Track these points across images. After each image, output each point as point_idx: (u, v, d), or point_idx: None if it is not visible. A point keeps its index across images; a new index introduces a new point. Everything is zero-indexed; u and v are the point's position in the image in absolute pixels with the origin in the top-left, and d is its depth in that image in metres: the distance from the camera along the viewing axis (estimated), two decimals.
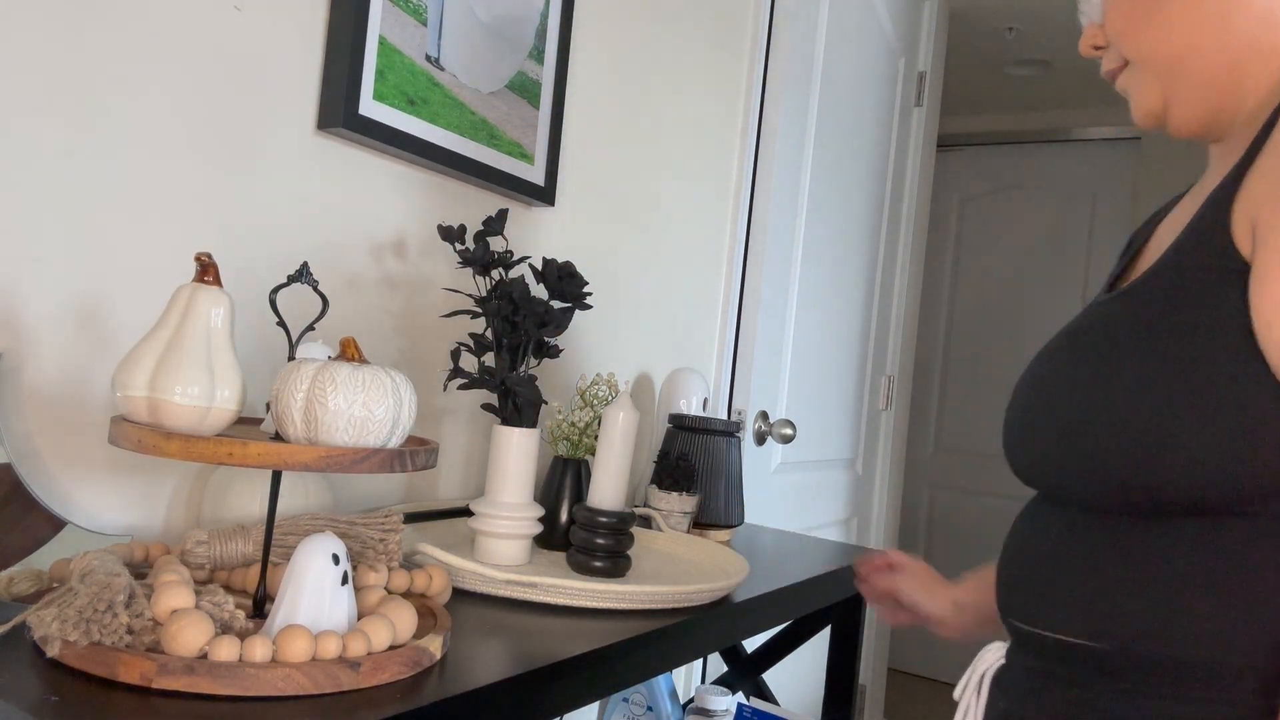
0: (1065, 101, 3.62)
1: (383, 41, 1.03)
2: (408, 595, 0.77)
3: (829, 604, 1.28)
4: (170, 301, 0.68)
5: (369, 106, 1.01)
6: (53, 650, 0.58)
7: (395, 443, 0.69)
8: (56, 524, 0.76)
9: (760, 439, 1.86)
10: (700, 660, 1.78)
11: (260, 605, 0.70)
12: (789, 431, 1.84)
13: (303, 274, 0.80)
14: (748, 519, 1.84)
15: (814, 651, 2.29)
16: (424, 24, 1.08)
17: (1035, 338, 3.70)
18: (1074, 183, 3.69)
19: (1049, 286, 3.70)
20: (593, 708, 1.50)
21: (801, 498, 2.12)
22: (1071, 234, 3.68)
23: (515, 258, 1.10)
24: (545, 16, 1.26)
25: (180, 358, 0.65)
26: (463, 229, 0.98)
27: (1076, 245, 3.67)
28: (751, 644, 1.81)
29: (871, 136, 2.34)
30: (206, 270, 0.69)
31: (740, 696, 1.55)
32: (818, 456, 2.21)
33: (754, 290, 1.82)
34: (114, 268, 0.84)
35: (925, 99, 2.69)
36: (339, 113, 0.99)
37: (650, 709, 1.40)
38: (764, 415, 1.87)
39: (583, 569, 0.95)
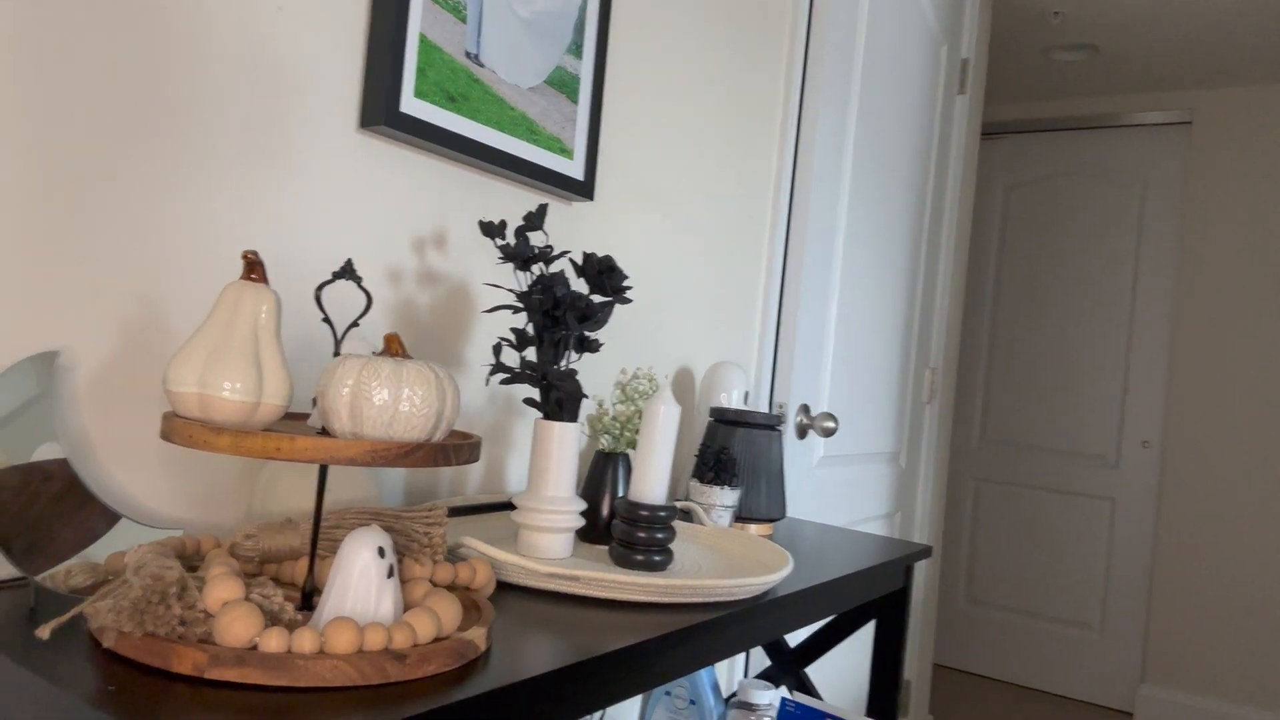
0: (1114, 86, 3.54)
1: (423, 39, 1.03)
2: (452, 588, 0.78)
3: (873, 598, 1.27)
4: (218, 299, 0.69)
5: (410, 104, 1.02)
6: (109, 641, 0.59)
7: (439, 437, 0.70)
8: (111, 518, 0.78)
9: (802, 432, 1.84)
10: (743, 654, 1.77)
11: (308, 597, 0.71)
12: (831, 425, 1.82)
13: (347, 271, 0.81)
14: (789, 513, 1.83)
15: (858, 646, 2.28)
16: (463, 21, 1.08)
17: (1081, 329, 3.63)
18: (1123, 169, 3.60)
19: (1096, 276, 3.62)
20: (635, 701, 1.50)
21: (844, 492, 2.10)
22: (1120, 222, 3.60)
23: (555, 252, 1.10)
24: (583, 11, 1.26)
25: (229, 354, 0.66)
26: (503, 224, 0.98)
27: (1125, 233, 3.59)
28: (795, 638, 1.80)
29: (914, 125, 2.31)
30: (253, 268, 0.70)
31: (784, 691, 1.54)
32: (860, 450, 2.19)
33: (795, 282, 1.80)
34: (164, 266, 0.86)
35: (969, 86, 2.64)
36: (380, 110, 0.99)
37: (693, 702, 1.39)
38: (805, 409, 1.85)
39: (624, 562, 0.95)
